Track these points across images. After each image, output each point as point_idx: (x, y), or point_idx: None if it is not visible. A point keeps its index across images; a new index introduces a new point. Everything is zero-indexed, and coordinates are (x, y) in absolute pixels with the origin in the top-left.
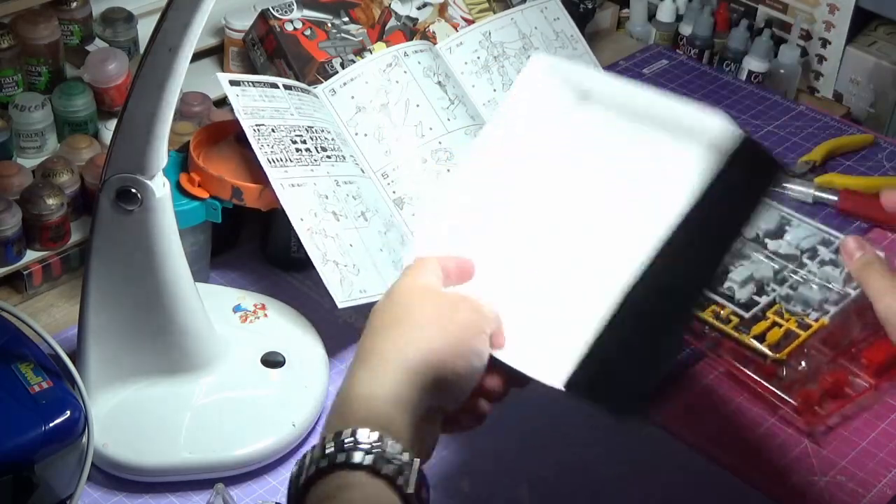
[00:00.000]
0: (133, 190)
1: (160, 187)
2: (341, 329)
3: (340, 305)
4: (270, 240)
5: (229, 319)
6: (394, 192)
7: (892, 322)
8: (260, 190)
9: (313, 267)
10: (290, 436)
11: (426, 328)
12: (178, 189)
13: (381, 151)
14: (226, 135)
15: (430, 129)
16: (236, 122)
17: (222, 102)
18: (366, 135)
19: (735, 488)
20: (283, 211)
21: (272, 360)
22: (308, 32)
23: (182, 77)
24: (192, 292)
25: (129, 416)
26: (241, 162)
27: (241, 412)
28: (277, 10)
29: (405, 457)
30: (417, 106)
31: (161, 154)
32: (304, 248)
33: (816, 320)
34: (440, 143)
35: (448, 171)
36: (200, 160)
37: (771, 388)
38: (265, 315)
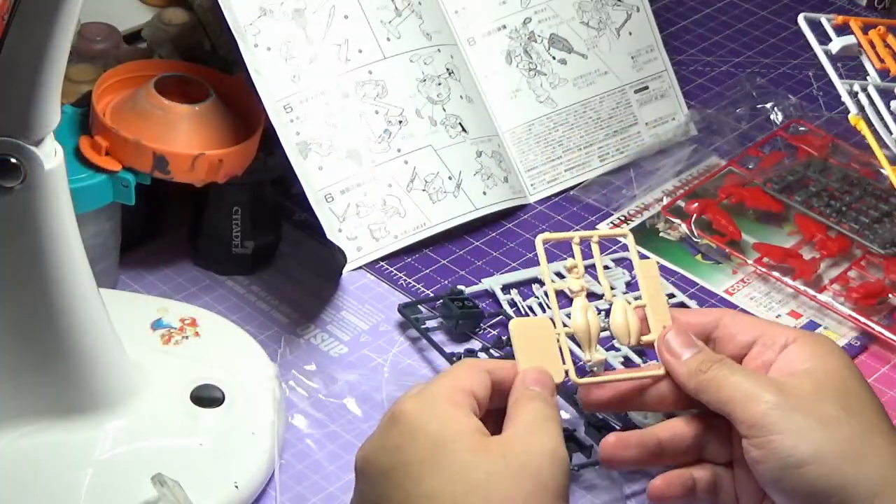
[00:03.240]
0: (13, 160)
1: (50, 156)
2: (303, 352)
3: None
4: (203, 229)
5: (147, 339)
6: (297, 134)
7: (772, 432)
8: (193, 158)
9: (261, 267)
10: (231, 501)
11: None
12: (77, 158)
13: (286, 75)
14: (142, 81)
15: (360, 51)
16: (157, 63)
17: (135, 37)
18: (269, 48)
19: None
20: (221, 190)
21: (206, 397)
22: None
23: (79, 2)
24: (94, 302)
25: (9, 474)
26: (165, 118)
27: (162, 468)
28: None
29: None
30: (346, 17)
31: (51, 109)
32: (249, 242)
33: None
34: (371, 72)
35: (377, 112)
36: (108, 117)
37: None
38: (196, 334)
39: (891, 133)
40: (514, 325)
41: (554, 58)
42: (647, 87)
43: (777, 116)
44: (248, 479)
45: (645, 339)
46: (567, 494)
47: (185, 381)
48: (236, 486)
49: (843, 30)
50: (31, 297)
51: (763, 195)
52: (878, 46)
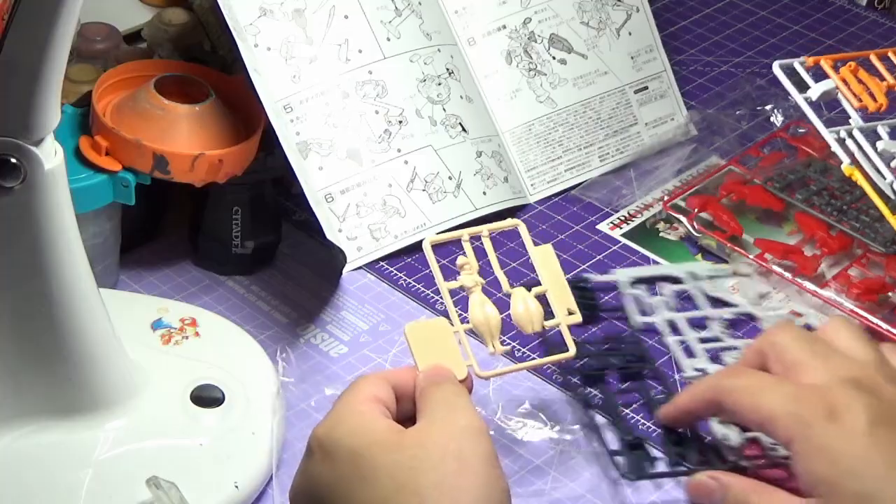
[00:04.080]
0: (13, 160)
1: (50, 156)
2: (303, 352)
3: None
4: (203, 229)
5: (146, 339)
6: (297, 134)
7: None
8: (193, 158)
9: (261, 267)
10: (231, 501)
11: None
12: (77, 158)
13: (286, 75)
14: (142, 80)
15: (360, 51)
16: (157, 63)
17: (135, 37)
18: (269, 48)
19: None
20: (221, 190)
21: (206, 397)
22: None
23: (79, 2)
24: (94, 301)
25: (9, 474)
26: (165, 118)
27: (162, 469)
28: None
29: None
30: (346, 17)
31: (51, 109)
32: (249, 242)
33: None
34: (370, 72)
35: (377, 112)
36: (108, 117)
37: None
38: (196, 334)
39: (884, 178)
40: (409, 328)
41: (554, 58)
42: (646, 88)
43: (777, 118)
44: (248, 479)
45: (548, 323)
46: (495, 460)
47: (185, 381)
48: (236, 486)
49: (818, 68)
50: (31, 297)
51: (764, 193)
52: (851, 83)
